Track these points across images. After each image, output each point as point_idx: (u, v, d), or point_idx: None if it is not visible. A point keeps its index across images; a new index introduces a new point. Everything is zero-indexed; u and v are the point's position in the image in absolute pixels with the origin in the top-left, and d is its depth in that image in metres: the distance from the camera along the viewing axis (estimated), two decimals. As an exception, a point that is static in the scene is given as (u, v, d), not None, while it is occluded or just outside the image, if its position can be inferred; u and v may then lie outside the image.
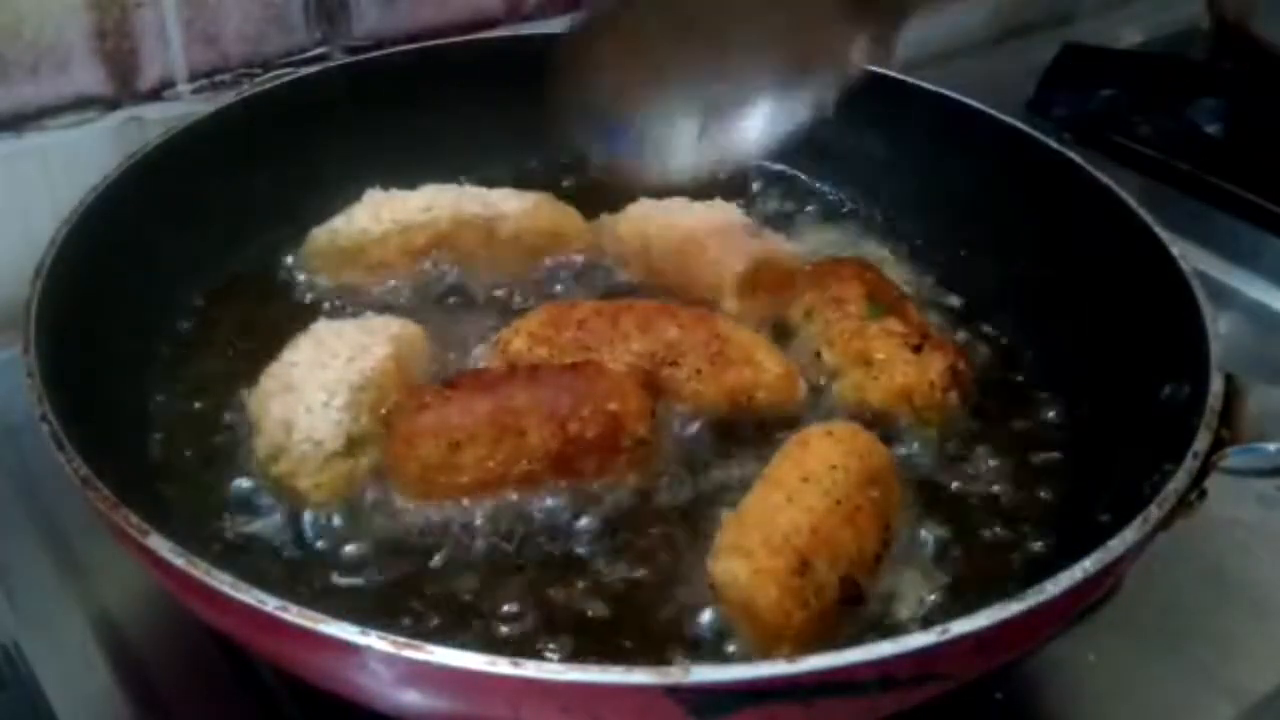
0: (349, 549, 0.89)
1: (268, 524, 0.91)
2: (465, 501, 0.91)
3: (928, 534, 0.92)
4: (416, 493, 0.91)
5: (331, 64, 1.32)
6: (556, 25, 1.49)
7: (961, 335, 1.14)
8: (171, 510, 0.91)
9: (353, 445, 0.92)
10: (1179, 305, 0.94)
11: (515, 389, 0.93)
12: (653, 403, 0.97)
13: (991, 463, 1.00)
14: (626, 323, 1.03)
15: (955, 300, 1.19)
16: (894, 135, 1.29)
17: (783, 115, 1.03)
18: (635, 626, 0.85)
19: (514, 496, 0.92)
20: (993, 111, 1.22)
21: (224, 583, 0.67)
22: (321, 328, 1.01)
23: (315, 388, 0.93)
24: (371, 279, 1.15)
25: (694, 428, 1.00)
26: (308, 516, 0.91)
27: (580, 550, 0.90)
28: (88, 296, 0.93)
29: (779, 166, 1.27)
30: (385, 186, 1.18)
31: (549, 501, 0.92)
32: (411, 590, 0.87)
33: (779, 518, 0.84)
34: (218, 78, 1.30)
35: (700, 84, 1.02)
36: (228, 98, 1.20)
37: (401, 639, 0.63)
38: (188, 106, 1.27)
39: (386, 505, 0.92)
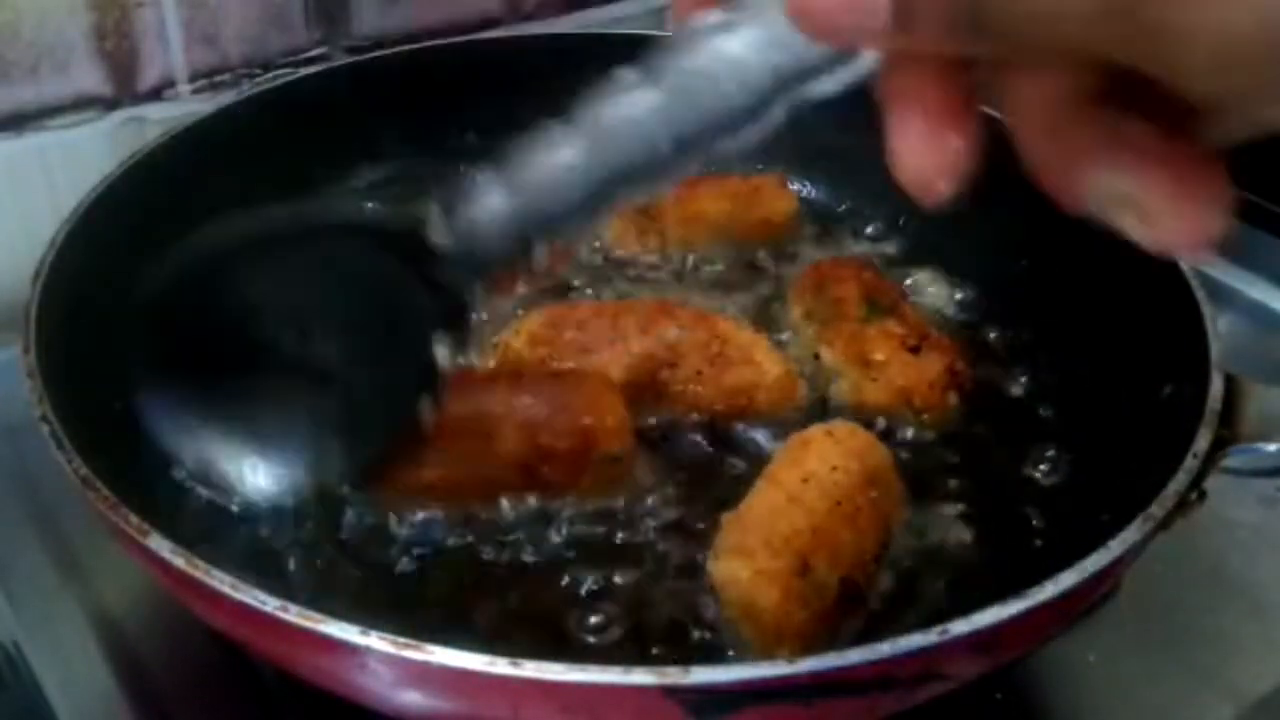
0: (344, 550, 0.89)
1: (268, 523, 0.90)
2: (441, 504, 0.90)
3: (927, 534, 0.92)
4: (385, 493, 0.89)
5: (331, 64, 1.32)
6: (557, 25, 1.49)
7: (960, 335, 1.14)
8: (171, 510, 0.90)
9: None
10: (1179, 305, 0.94)
11: (494, 394, 0.92)
12: (634, 419, 0.94)
13: (990, 463, 1.00)
14: (626, 323, 1.03)
15: (954, 300, 1.19)
16: (893, 136, 1.28)
17: None
18: (635, 627, 0.85)
19: (499, 499, 0.91)
20: (992, 111, 1.21)
21: (224, 583, 0.67)
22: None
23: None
24: None
25: (694, 428, 1.01)
26: (302, 516, 0.90)
27: (579, 551, 0.90)
28: (88, 297, 0.93)
29: (777, 169, 1.27)
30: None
31: (550, 502, 0.92)
32: (399, 592, 0.87)
33: (780, 519, 0.84)
34: (218, 78, 1.29)
35: None
36: (228, 98, 1.20)
37: (402, 639, 0.63)
38: (188, 106, 1.26)
39: (358, 506, 0.91)
